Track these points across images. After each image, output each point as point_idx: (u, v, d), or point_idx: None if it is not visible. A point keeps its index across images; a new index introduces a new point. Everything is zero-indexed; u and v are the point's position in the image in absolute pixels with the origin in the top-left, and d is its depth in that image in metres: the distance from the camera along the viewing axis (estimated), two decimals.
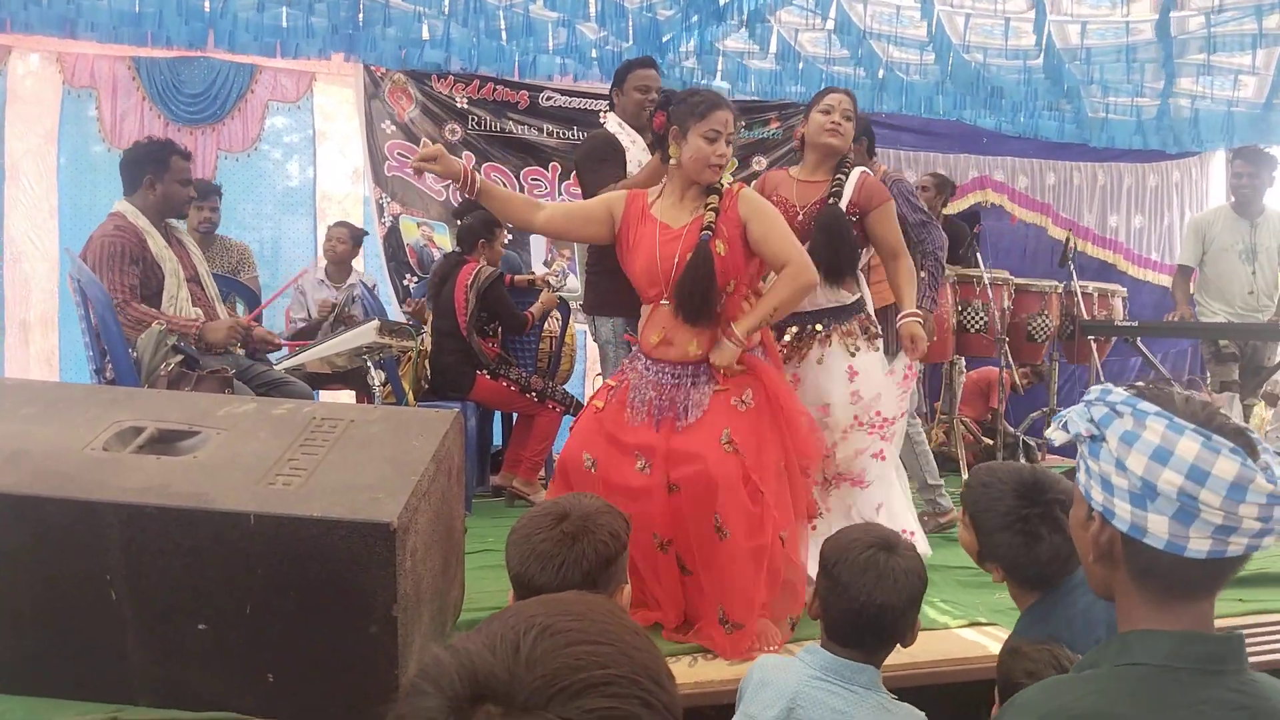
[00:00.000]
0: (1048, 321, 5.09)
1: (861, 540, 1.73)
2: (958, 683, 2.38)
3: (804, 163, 3.22)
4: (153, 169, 3.48)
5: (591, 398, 2.97)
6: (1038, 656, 1.57)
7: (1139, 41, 5.61)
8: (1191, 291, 5.16)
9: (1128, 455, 1.06)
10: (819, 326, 3.08)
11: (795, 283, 2.66)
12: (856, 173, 3.13)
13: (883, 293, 3.44)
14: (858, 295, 3.15)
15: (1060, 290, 5.15)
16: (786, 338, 3.08)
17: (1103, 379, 5.00)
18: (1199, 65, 5.79)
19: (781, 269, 2.67)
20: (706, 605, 2.60)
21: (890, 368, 3.18)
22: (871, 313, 3.19)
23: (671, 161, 2.70)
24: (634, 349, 2.89)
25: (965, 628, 2.72)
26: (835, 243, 2.99)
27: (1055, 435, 1.19)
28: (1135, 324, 4.92)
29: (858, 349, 3.06)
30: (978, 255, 5.12)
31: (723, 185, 2.69)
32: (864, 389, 3.03)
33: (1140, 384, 1.13)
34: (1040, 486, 1.83)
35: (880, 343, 3.15)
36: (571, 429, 2.89)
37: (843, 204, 3.07)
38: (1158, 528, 1.06)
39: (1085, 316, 5.06)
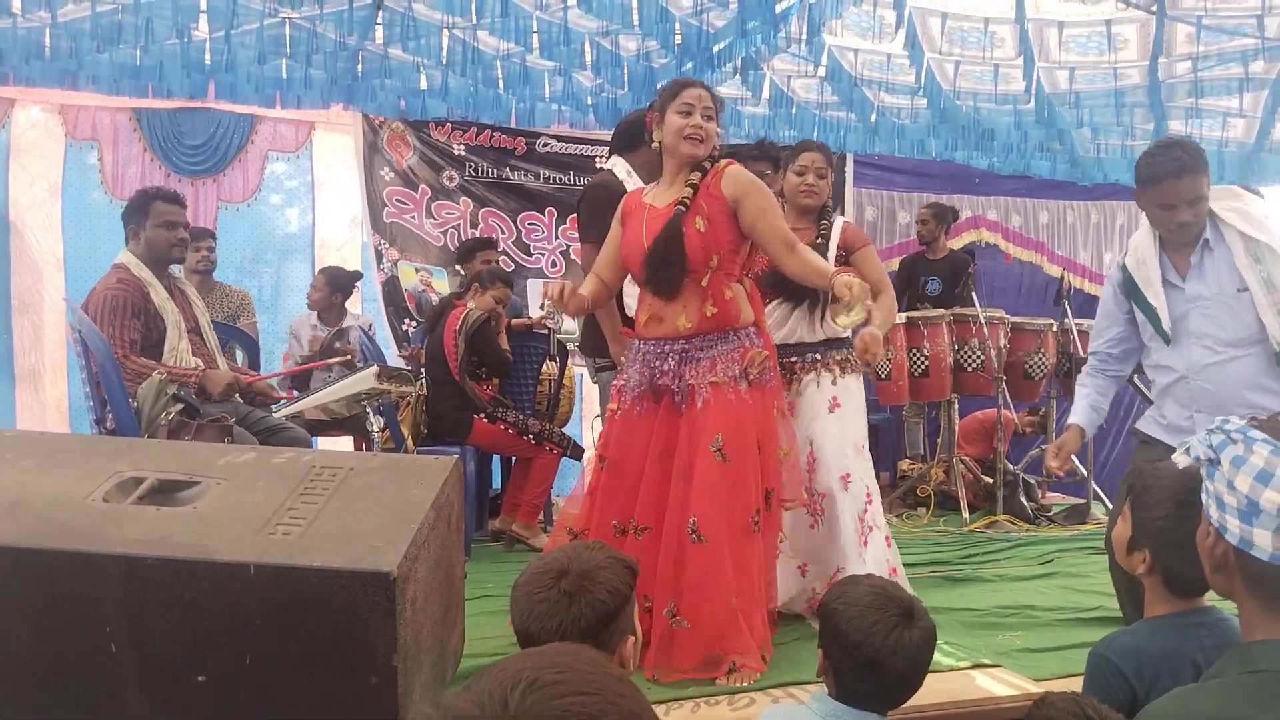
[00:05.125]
0: (1044, 359, 5.11)
1: (884, 620, 1.70)
2: None
3: (785, 214, 3.30)
4: (136, 219, 3.53)
5: (608, 404, 3.00)
6: (1062, 706, 1.60)
7: (1127, 86, 5.69)
8: None
9: (1236, 476, 1.18)
10: (817, 356, 3.21)
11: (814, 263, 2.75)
12: (839, 221, 3.39)
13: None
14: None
15: (1056, 328, 5.18)
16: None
17: None
18: (1188, 108, 5.87)
19: (777, 248, 2.71)
20: (659, 598, 2.59)
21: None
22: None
23: (654, 146, 2.81)
24: (630, 344, 2.93)
25: (970, 669, 2.70)
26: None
27: (1179, 459, 1.30)
28: None
29: (842, 378, 3.19)
30: (973, 294, 5.15)
31: (710, 164, 2.75)
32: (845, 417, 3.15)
33: (1257, 418, 1.23)
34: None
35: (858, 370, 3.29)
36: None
37: (831, 247, 3.25)
38: (1263, 541, 1.17)
39: (1082, 354, 5.07)
